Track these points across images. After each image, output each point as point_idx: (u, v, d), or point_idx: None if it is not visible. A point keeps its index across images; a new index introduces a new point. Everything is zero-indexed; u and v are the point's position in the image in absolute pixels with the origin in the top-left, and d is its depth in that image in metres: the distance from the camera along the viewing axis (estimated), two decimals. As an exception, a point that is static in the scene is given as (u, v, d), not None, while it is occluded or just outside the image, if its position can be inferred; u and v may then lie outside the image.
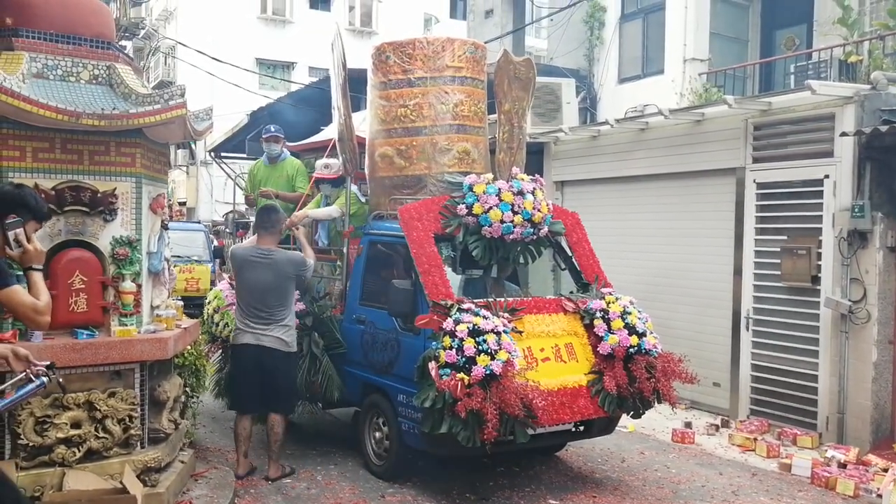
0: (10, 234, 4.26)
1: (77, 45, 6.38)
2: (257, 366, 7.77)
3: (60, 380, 4.40)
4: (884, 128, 8.85)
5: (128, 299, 6.25)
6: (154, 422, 6.65)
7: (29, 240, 4.36)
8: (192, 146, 30.10)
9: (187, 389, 7.91)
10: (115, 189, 6.26)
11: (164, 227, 6.99)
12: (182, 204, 22.94)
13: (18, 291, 4.24)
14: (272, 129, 10.53)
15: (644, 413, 7.93)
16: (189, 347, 7.88)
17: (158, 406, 6.70)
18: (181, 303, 7.49)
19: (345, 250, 8.87)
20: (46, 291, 4.36)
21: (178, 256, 9.91)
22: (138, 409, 6.30)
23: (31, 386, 4.21)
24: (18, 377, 4.24)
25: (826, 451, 9.06)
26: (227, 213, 27.02)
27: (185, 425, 7.49)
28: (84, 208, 6.15)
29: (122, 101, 6.17)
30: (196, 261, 17.62)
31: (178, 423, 7.08)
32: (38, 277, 4.40)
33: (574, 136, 13.76)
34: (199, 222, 22.23)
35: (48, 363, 4.32)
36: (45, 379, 4.24)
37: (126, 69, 6.52)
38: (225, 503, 6.79)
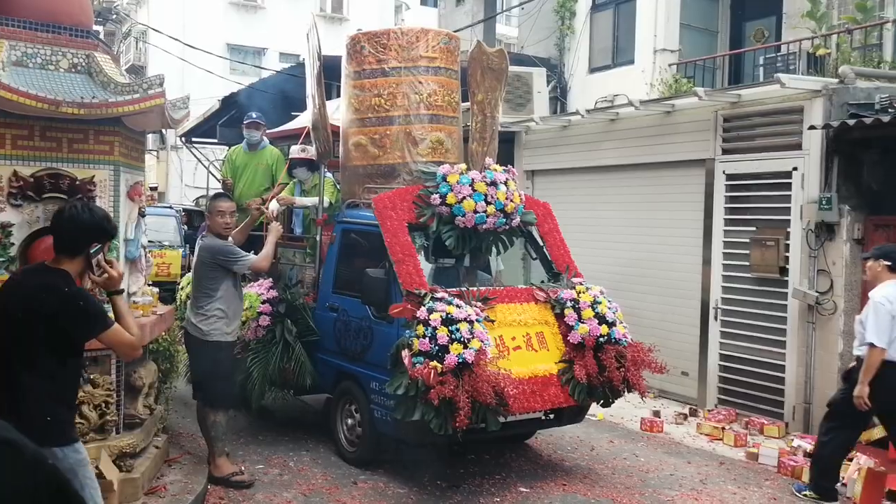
0: (93, 261, 4.33)
1: (56, 33, 6.35)
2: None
3: None
4: (851, 122, 8.98)
5: (105, 286, 6.27)
6: (129, 408, 6.68)
7: (110, 264, 4.42)
8: (163, 131, 29.93)
9: (161, 375, 7.92)
10: (93, 177, 6.24)
11: (142, 214, 7.00)
12: (153, 189, 22.76)
13: (120, 331, 4.30)
14: (253, 116, 10.52)
15: (613, 402, 8.03)
16: (163, 333, 7.89)
17: (134, 392, 6.73)
18: (157, 290, 7.50)
19: (318, 238, 8.90)
20: (133, 319, 4.47)
21: (150, 241, 9.83)
22: (114, 396, 6.31)
23: None
24: None
25: (792, 440, 9.20)
26: (197, 198, 26.94)
27: (160, 411, 7.50)
28: (63, 195, 6.10)
29: (101, 89, 6.16)
30: (167, 246, 17.51)
31: (153, 409, 7.10)
32: (122, 302, 4.46)
33: (545, 126, 13.84)
34: (170, 207, 22.07)
35: None
36: None
37: (105, 58, 6.50)
38: (198, 488, 6.82)
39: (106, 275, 4.41)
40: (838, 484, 7.77)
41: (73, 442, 4.24)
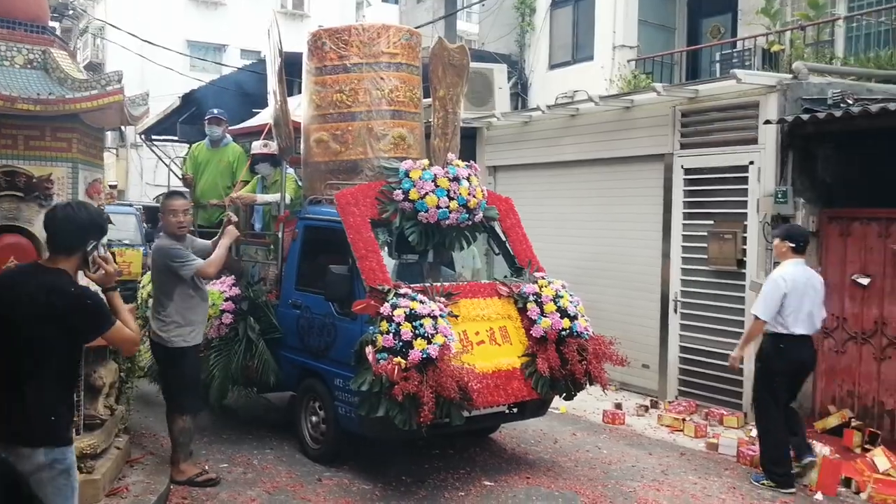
0: (90, 258, 4.33)
1: (11, 28, 6.28)
2: None
3: None
4: (805, 116, 9.10)
5: (64, 285, 6.22)
6: (90, 408, 6.61)
7: (105, 260, 4.42)
8: (122, 128, 29.70)
9: (122, 374, 7.87)
10: (50, 174, 6.17)
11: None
12: (113, 187, 22.51)
13: (122, 327, 4.34)
14: (215, 112, 10.47)
15: (576, 395, 8.10)
16: (124, 332, 7.81)
17: (94, 392, 6.66)
18: (118, 289, 7.44)
19: (280, 235, 8.89)
20: (129, 313, 4.52)
21: (110, 240, 9.79)
22: (74, 396, 6.27)
23: None
24: None
25: (751, 430, 9.29)
26: (157, 196, 26.77)
27: (121, 411, 7.44)
28: (19, 193, 6.04)
29: (58, 86, 6.09)
30: (127, 244, 17.36)
31: (114, 409, 7.05)
32: (118, 299, 4.48)
33: (506, 122, 13.90)
34: (130, 205, 21.89)
35: None
36: None
37: (62, 54, 6.43)
38: (161, 489, 6.79)
39: (102, 271, 4.40)
40: (794, 470, 7.90)
41: (70, 443, 4.25)
